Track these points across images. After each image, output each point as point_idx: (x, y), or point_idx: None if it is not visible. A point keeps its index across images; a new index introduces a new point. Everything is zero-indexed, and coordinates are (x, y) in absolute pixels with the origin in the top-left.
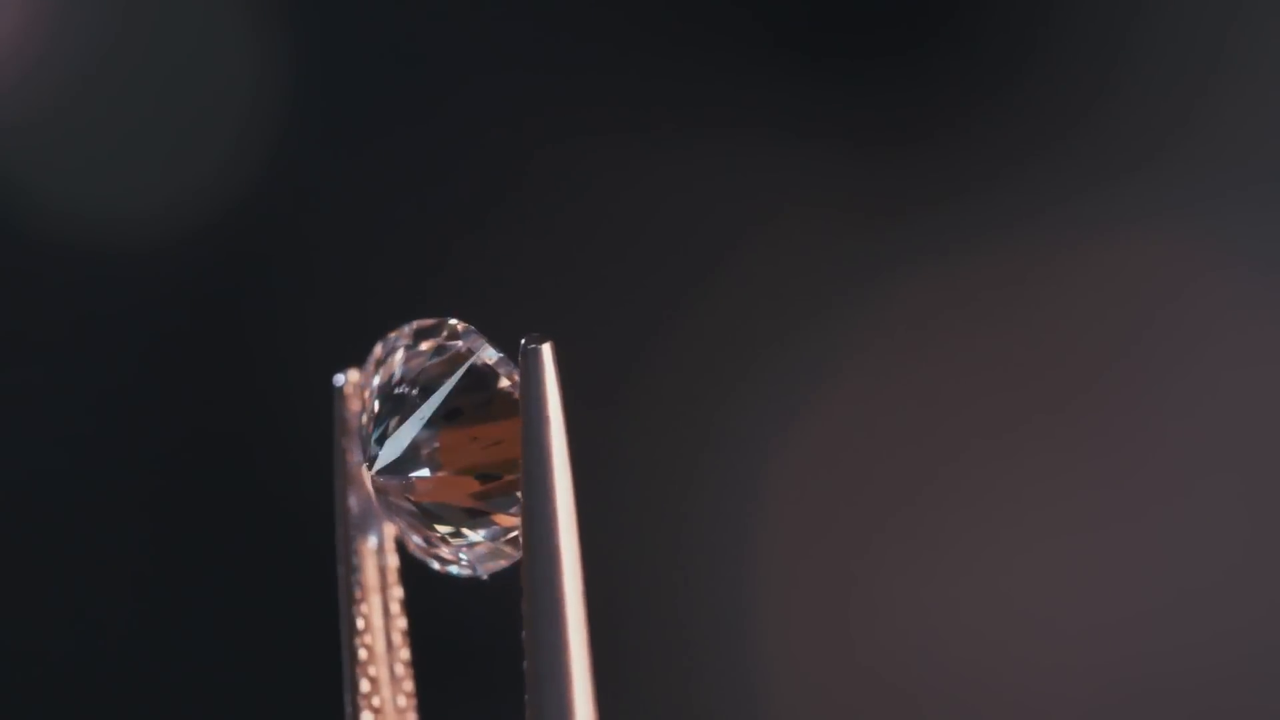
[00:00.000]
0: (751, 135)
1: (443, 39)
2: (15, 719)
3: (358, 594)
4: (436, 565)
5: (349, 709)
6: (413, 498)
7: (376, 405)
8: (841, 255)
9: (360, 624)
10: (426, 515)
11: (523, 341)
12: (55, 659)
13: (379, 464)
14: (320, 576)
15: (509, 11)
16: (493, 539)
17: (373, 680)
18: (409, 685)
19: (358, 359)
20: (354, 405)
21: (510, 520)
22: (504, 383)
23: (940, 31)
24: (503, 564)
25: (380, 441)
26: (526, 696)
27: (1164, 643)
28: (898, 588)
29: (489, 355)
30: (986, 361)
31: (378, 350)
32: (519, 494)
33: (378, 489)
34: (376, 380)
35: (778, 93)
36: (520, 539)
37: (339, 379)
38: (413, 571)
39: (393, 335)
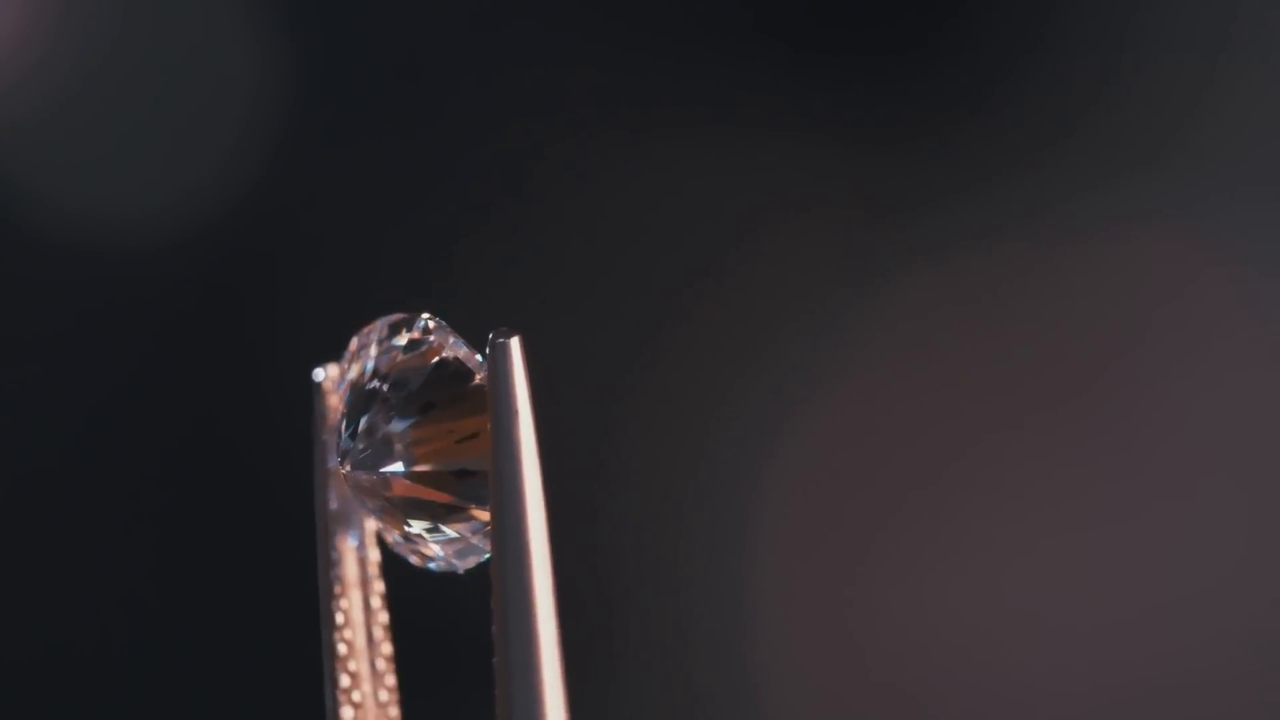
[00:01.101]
0: (751, 135)
1: (442, 39)
2: (7, 717)
3: (337, 589)
4: (415, 560)
5: (329, 703)
6: (387, 493)
7: (349, 400)
8: (841, 255)
9: (340, 619)
10: (402, 510)
11: (491, 335)
12: (46, 653)
13: (352, 459)
14: (304, 572)
15: (507, 11)
16: (470, 533)
17: (353, 675)
18: (390, 680)
19: None
20: (333, 400)
21: (487, 514)
22: (477, 377)
23: (941, 30)
24: (480, 558)
25: (353, 436)
26: (496, 691)
27: (1165, 642)
28: (898, 587)
29: (461, 350)
30: (987, 361)
31: (352, 345)
32: None
33: (352, 484)
34: (350, 375)
35: (778, 92)
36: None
37: (318, 374)
38: (395, 566)
39: (366, 330)
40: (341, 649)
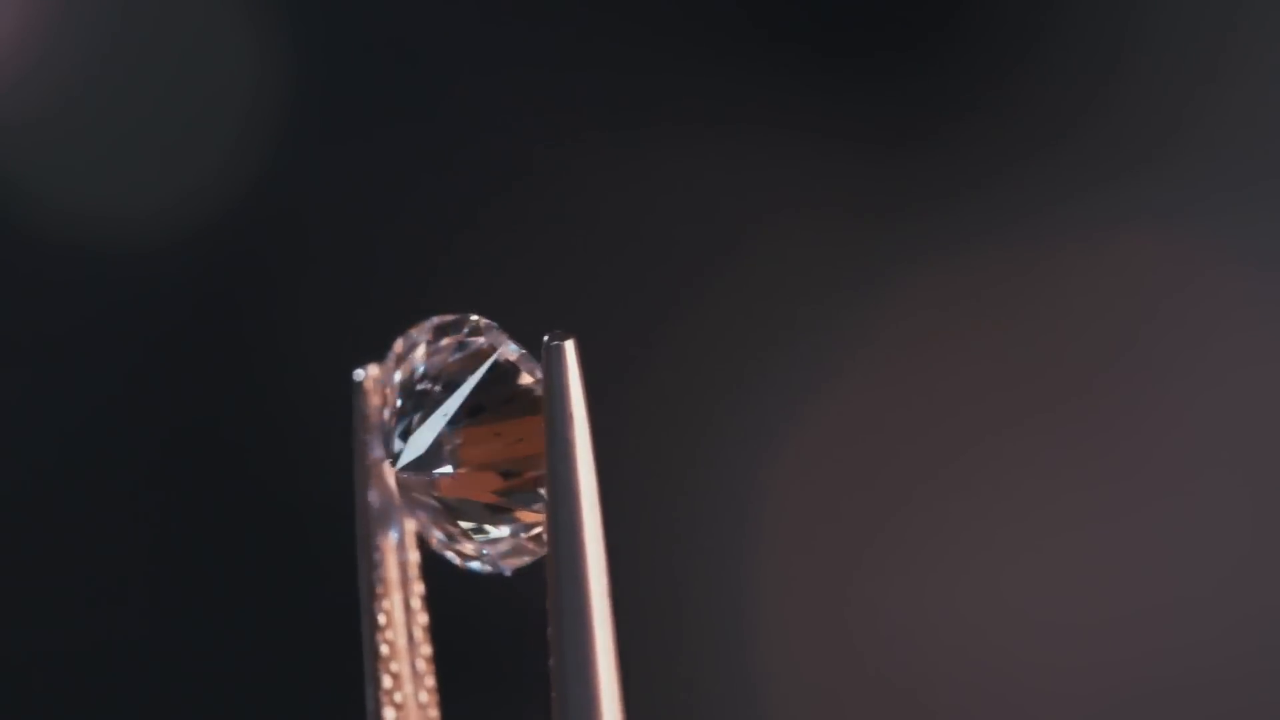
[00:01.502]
0: (751, 135)
1: (442, 37)
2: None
3: (379, 590)
4: (458, 561)
5: (371, 704)
6: (435, 494)
7: (399, 401)
8: (842, 255)
9: (382, 620)
10: (449, 511)
11: (546, 338)
12: (64, 660)
13: (403, 460)
14: (342, 573)
15: (508, 9)
16: (515, 535)
17: (395, 676)
18: (431, 681)
19: (360, 356)
20: (374, 400)
21: (533, 516)
22: (526, 379)
23: (941, 31)
24: (525, 560)
25: (404, 437)
26: (552, 694)
27: (1165, 642)
28: (898, 587)
29: (511, 351)
30: (986, 361)
31: (398, 346)
32: (542, 490)
33: (401, 485)
34: (398, 376)
35: (778, 92)
36: (544, 535)
37: (359, 374)
38: (434, 567)
39: (413, 331)
40: (384, 650)
